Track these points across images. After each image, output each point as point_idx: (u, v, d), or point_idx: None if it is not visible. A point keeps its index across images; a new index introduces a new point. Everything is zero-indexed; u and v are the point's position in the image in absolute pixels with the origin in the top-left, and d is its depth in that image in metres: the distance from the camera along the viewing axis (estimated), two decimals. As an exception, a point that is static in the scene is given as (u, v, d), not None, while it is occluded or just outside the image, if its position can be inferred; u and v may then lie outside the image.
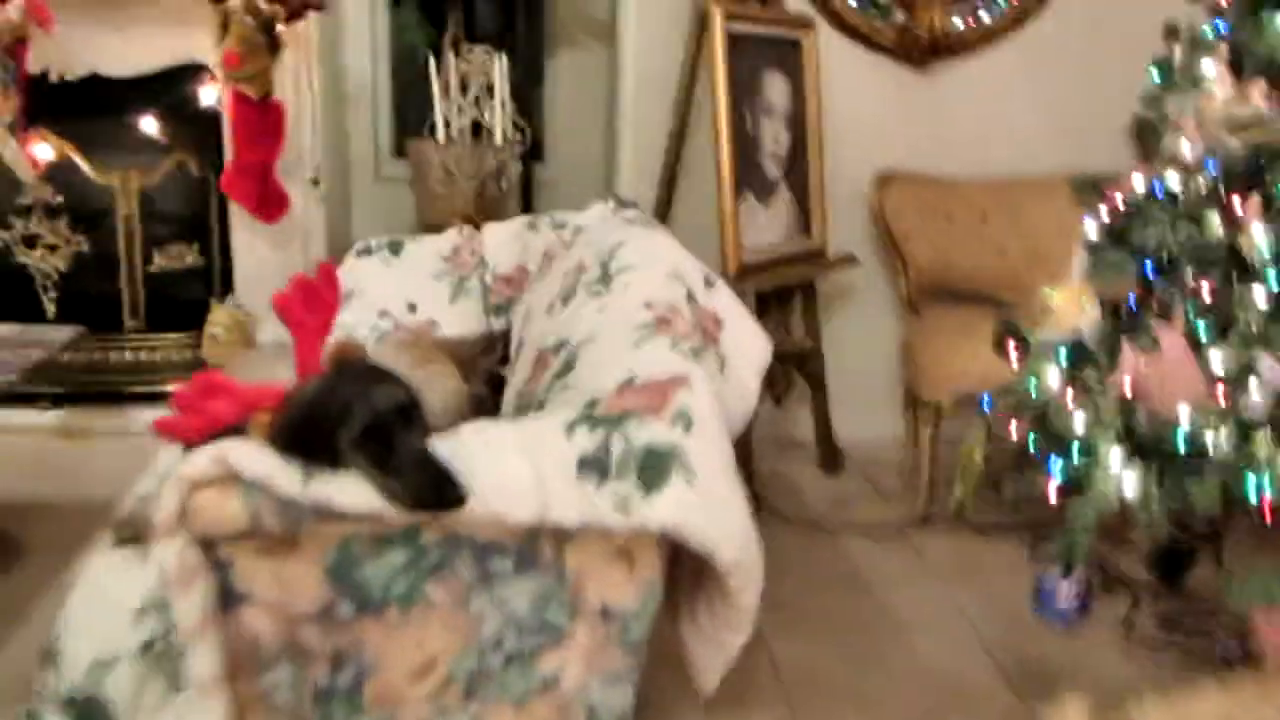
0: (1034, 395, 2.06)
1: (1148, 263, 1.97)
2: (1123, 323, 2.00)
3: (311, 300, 1.50)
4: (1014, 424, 2.14)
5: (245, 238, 3.13)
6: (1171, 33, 2.19)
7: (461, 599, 1.48)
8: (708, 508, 1.44)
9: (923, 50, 3.49)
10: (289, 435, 1.34)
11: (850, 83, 3.49)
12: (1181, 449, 1.85)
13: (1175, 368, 1.85)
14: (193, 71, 2.97)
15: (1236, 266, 1.91)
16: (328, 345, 1.52)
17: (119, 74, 2.95)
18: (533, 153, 3.83)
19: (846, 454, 3.56)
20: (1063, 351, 2.06)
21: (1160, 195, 2.00)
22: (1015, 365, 2.16)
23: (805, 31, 3.33)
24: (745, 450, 3.08)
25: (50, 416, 2.98)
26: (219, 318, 3.00)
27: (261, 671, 1.46)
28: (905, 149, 3.53)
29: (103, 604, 1.41)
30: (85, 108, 3.00)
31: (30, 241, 3.11)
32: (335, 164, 3.62)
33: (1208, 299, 1.92)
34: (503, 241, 2.65)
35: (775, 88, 3.23)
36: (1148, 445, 1.90)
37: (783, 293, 3.31)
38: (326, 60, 3.29)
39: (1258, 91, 1.96)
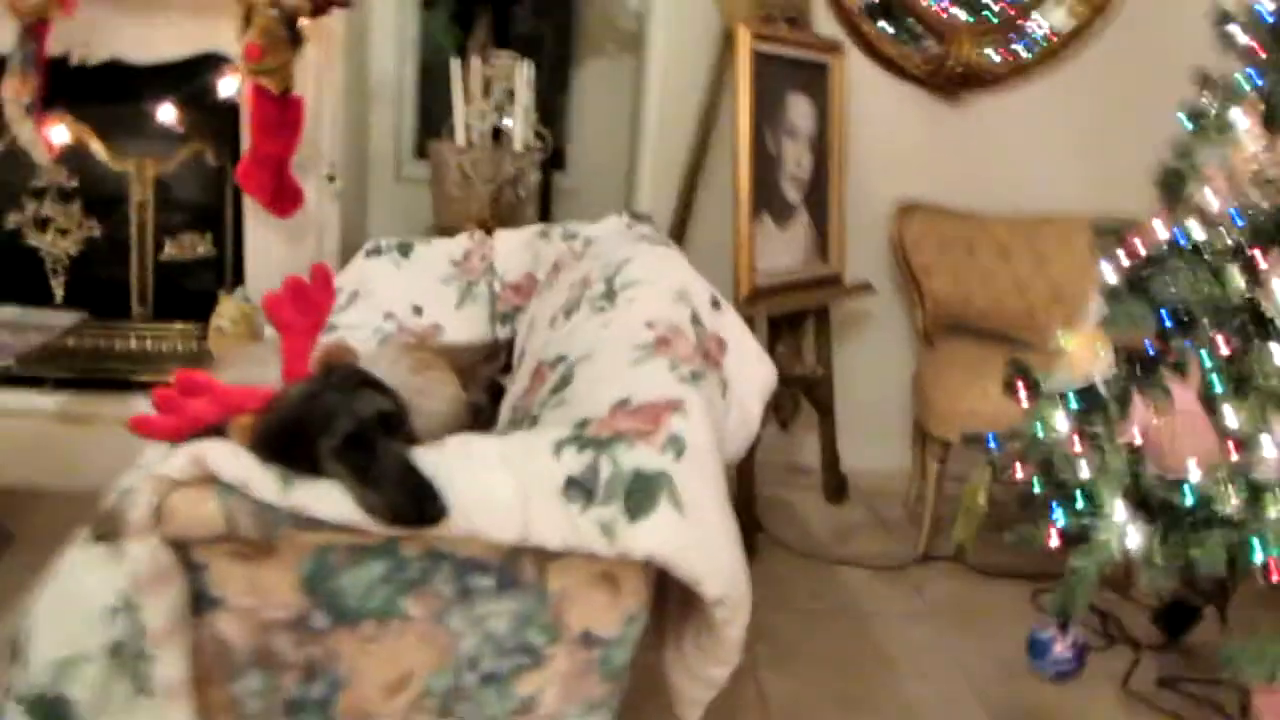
0: (1041, 440, 2.01)
1: (1165, 314, 1.92)
2: (1136, 374, 1.95)
3: (302, 301, 1.47)
4: (1020, 468, 2.09)
5: (258, 231, 3.11)
6: (1204, 80, 2.15)
7: (439, 615, 1.45)
8: (695, 538, 1.40)
9: (953, 81, 3.46)
10: (270, 440, 1.31)
11: (878, 110, 3.46)
12: (1189, 506, 1.80)
13: (1187, 423, 1.81)
14: (215, 62, 2.95)
15: (1256, 324, 1.86)
16: (316, 348, 1.49)
17: (141, 61, 2.93)
18: (554, 161, 3.81)
19: (852, 483, 3.52)
20: (1073, 398, 2.02)
21: (1183, 246, 1.95)
22: (1025, 408, 2.12)
23: (834, 55, 3.31)
24: (748, 475, 3.05)
25: (52, 401, 2.96)
26: (227, 310, 2.98)
27: (232, 678, 1.43)
28: (929, 180, 3.50)
29: (73, 601, 1.38)
30: (105, 93, 2.98)
31: (42, 224, 3.10)
32: (355, 162, 3.60)
33: (1225, 355, 1.87)
34: (513, 249, 2.63)
35: (800, 110, 3.20)
36: (1154, 500, 1.86)
37: (796, 317, 3.27)
38: (351, 58, 3.28)
39: (1289, 145, 1.92)
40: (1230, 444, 1.82)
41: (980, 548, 2.77)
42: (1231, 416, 1.82)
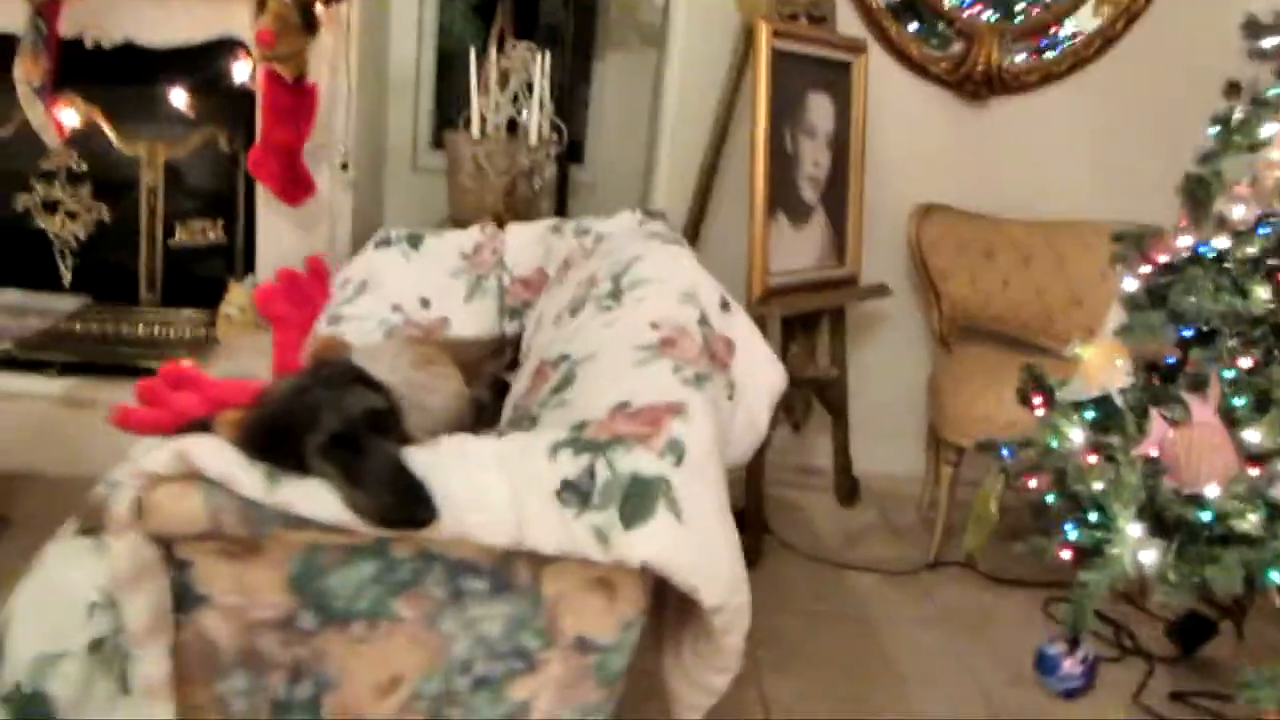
0: (1054, 451, 1.96)
1: (1185, 325, 1.87)
2: (1154, 388, 1.90)
3: (295, 295, 1.44)
4: (1033, 479, 2.04)
5: (270, 218, 3.08)
6: (1234, 90, 2.09)
7: (431, 617, 1.42)
8: (693, 546, 1.36)
9: (978, 84, 3.40)
10: (256, 436, 1.28)
11: (900, 111, 3.41)
12: (1205, 523, 1.75)
13: (1205, 440, 1.75)
14: (229, 47, 2.93)
15: (1278, 337, 1.81)
16: (309, 342, 1.46)
17: (155, 44, 2.91)
18: (573, 155, 3.77)
19: (863, 486, 3.48)
20: (1089, 411, 1.96)
21: (1205, 256, 1.90)
22: (1039, 418, 2.07)
23: (856, 55, 3.25)
24: (757, 476, 3.01)
25: (57, 386, 2.94)
26: (235, 297, 2.96)
27: (217, 677, 1.41)
28: (950, 182, 3.44)
29: (55, 595, 1.36)
30: (118, 76, 2.97)
31: (51, 207, 3.08)
32: (371, 151, 3.57)
33: (1246, 368, 1.81)
34: (525, 243, 2.60)
35: (820, 109, 3.15)
36: (1169, 516, 1.80)
37: (811, 318, 3.23)
38: (369, 46, 3.24)
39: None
40: (1249, 460, 1.77)
41: (992, 555, 2.72)
42: (1251, 432, 1.77)
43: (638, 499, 1.33)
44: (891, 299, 3.40)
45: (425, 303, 2.50)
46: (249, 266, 3.16)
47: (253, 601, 1.37)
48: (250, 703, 1.42)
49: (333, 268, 2.58)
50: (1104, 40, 3.41)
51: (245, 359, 1.60)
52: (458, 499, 1.30)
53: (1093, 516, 1.88)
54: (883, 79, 3.34)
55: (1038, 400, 2.09)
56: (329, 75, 2.96)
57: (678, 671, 1.63)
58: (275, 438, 1.28)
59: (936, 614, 2.82)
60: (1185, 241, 1.94)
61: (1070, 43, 3.42)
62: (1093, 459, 1.91)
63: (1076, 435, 1.96)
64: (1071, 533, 1.90)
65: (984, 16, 3.38)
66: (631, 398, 1.50)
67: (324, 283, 1.45)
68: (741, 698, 2.28)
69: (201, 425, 1.35)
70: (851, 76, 3.24)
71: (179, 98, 3.01)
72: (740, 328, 1.95)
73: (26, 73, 2.58)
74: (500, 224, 2.72)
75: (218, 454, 1.28)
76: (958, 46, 3.39)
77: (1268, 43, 2.02)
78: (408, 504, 1.25)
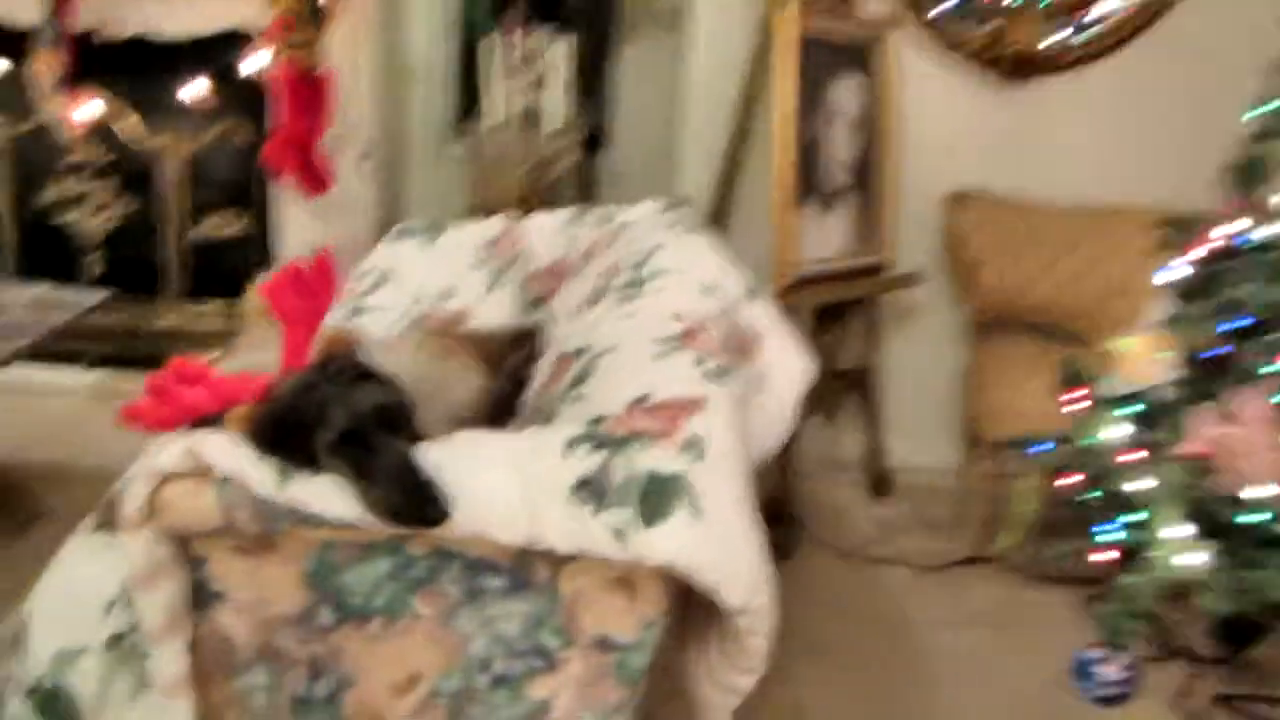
0: (1095, 450, 1.89)
1: (1233, 320, 1.79)
2: (1200, 384, 1.82)
3: (302, 289, 1.41)
4: (1072, 476, 1.98)
5: (291, 210, 3.07)
6: (1281, 69, 2.01)
7: (448, 615, 1.40)
8: (714, 545, 1.33)
9: (1014, 65, 3.31)
10: (266, 432, 1.26)
11: (933, 93, 3.33)
12: (1252, 525, 1.68)
13: (1254, 439, 1.68)
14: (245, 38, 2.91)
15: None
16: (318, 336, 1.44)
17: (170, 37, 2.91)
18: (597, 141, 3.73)
19: (896, 479, 3.42)
20: (1130, 407, 1.89)
21: (1254, 244, 1.82)
22: (1079, 414, 2.00)
23: (884, 34, 3.18)
24: (787, 468, 2.96)
25: (85, 379, 2.96)
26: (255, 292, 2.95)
27: (236, 674, 1.40)
28: (987, 166, 3.36)
29: (74, 591, 1.36)
30: (138, 69, 2.96)
31: (74, 202, 3.08)
32: (393, 141, 3.55)
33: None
34: (547, 233, 2.56)
35: (848, 92, 3.08)
36: (1214, 517, 1.74)
37: (841, 307, 3.17)
38: (386, 35, 3.22)
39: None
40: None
41: (1030, 552, 2.65)
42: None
43: (656, 497, 1.30)
44: (924, 287, 3.34)
45: (446, 294, 2.48)
46: (272, 258, 3.15)
47: (269, 598, 1.36)
48: (270, 699, 1.41)
49: (355, 259, 2.56)
50: (1145, 18, 3.31)
51: (253, 354, 1.57)
52: (470, 497, 1.27)
53: (1134, 517, 1.82)
54: (915, 60, 3.27)
55: (1078, 394, 2.02)
56: (347, 66, 2.94)
57: (703, 671, 1.60)
58: (285, 434, 1.26)
59: (971, 611, 2.75)
60: (1234, 227, 1.86)
61: (1109, 20, 3.32)
62: (1135, 456, 1.84)
63: (1117, 431, 1.89)
64: (1112, 533, 1.84)
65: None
66: (650, 392, 1.47)
67: (329, 277, 1.42)
68: (768, 693, 2.23)
69: (212, 421, 1.33)
70: (879, 58, 3.17)
71: (195, 90, 2.99)
72: (766, 317, 1.91)
73: (45, 67, 2.57)
74: (525, 213, 2.69)
75: (229, 450, 1.26)
76: (994, 26, 3.30)
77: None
78: (418, 502, 1.23)
